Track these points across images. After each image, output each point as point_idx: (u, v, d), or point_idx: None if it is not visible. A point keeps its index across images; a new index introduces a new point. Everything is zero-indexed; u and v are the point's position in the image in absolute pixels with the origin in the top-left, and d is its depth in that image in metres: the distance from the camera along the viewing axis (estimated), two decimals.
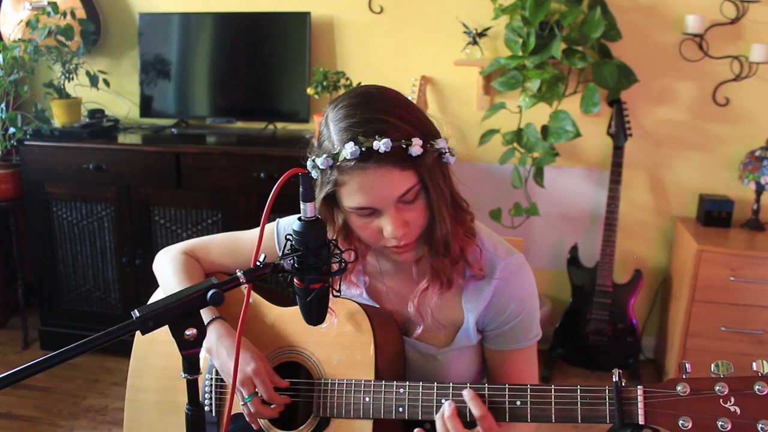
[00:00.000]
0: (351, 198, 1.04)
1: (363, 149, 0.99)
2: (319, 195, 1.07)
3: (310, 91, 2.76)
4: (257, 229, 1.33)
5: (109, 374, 2.91)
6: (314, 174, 1.08)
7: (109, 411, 2.67)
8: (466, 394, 1.05)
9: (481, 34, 2.83)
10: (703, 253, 2.53)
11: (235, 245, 1.36)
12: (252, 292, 1.30)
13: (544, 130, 2.68)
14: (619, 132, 2.73)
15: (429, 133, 1.05)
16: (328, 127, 1.06)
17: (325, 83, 2.68)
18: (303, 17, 2.91)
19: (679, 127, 2.84)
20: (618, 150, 2.74)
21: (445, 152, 1.06)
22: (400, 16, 2.95)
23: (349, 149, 0.99)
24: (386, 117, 1.02)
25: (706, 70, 2.75)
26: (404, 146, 1.00)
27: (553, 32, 2.59)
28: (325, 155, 1.03)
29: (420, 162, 1.02)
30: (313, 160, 1.06)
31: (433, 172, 1.04)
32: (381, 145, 0.98)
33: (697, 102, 2.80)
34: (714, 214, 2.73)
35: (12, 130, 2.85)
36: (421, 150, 1.01)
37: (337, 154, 1.01)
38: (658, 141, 2.86)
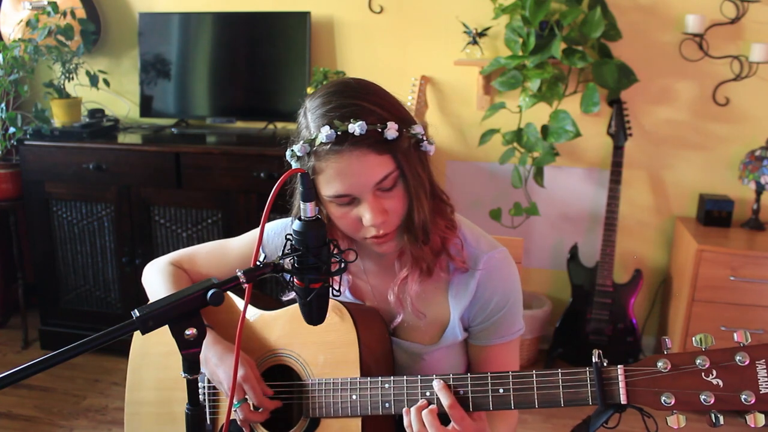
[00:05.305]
0: (329, 185, 1.04)
1: (338, 133, 0.99)
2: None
3: (310, 91, 2.76)
4: (244, 236, 1.34)
5: (109, 374, 2.90)
6: (293, 165, 1.08)
7: (109, 411, 2.67)
8: (436, 385, 1.05)
9: (481, 34, 2.82)
10: (703, 252, 2.53)
11: (222, 253, 1.34)
12: (235, 297, 1.30)
13: (544, 129, 2.68)
14: (619, 132, 2.73)
15: (405, 119, 1.06)
16: (305, 117, 1.07)
17: (325, 83, 2.67)
18: (303, 17, 2.91)
19: (679, 127, 2.84)
20: (618, 150, 2.74)
21: (423, 140, 1.07)
22: (400, 16, 2.95)
23: (324, 133, 1.00)
24: (362, 102, 1.03)
25: (706, 70, 2.75)
26: (379, 129, 1.01)
27: (553, 32, 2.59)
28: (302, 142, 1.04)
29: (396, 146, 1.02)
30: (291, 150, 1.07)
31: (410, 158, 1.04)
32: (356, 127, 0.99)
33: (697, 102, 2.80)
34: (714, 213, 2.73)
35: (12, 129, 2.85)
36: (397, 134, 1.02)
37: (314, 139, 1.02)
38: (658, 141, 2.86)
